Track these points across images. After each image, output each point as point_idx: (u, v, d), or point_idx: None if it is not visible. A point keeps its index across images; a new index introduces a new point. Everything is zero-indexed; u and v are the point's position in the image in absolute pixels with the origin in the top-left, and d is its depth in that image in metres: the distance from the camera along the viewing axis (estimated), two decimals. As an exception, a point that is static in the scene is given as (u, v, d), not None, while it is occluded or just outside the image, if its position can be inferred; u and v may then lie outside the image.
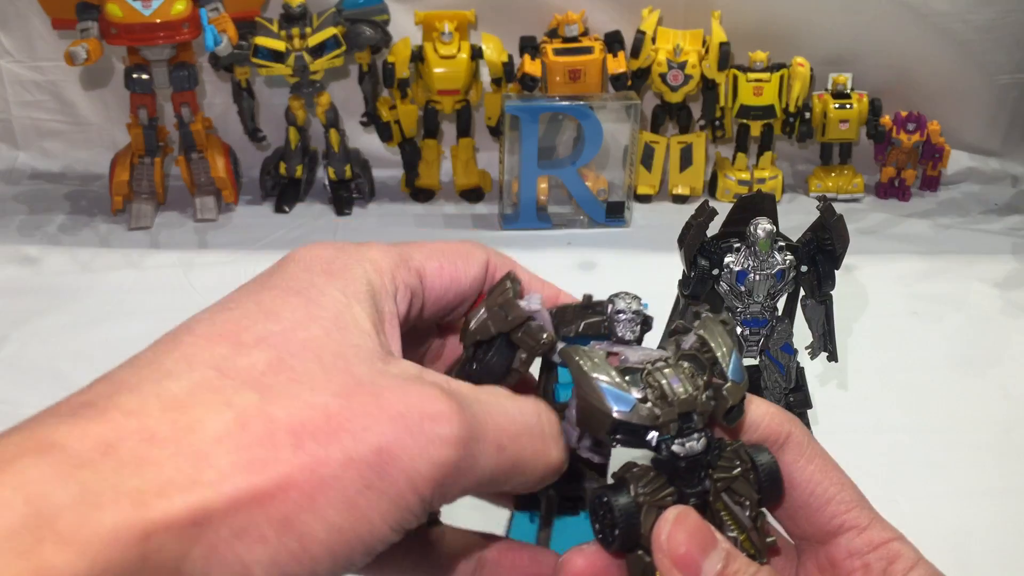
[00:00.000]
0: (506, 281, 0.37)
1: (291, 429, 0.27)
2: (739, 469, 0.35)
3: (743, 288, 0.73)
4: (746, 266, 0.72)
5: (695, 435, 0.34)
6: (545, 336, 0.37)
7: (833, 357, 0.79)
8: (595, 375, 0.34)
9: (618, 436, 0.34)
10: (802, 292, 0.76)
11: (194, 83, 1.27)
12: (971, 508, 0.81)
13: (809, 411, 0.81)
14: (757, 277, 0.72)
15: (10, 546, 0.24)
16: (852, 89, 1.34)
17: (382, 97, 1.33)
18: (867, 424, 0.91)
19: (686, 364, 0.35)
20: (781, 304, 0.76)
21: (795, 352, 0.77)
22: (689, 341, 0.37)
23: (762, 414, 0.37)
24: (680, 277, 0.75)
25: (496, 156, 1.32)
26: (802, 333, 0.77)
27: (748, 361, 0.78)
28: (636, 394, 0.34)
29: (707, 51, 1.29)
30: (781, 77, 1.30)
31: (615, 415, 0.33)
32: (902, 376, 0.98)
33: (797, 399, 0.80)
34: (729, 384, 0.35)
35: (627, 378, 0.34)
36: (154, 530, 0.26)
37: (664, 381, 0.34)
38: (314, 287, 0.31)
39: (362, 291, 0.32)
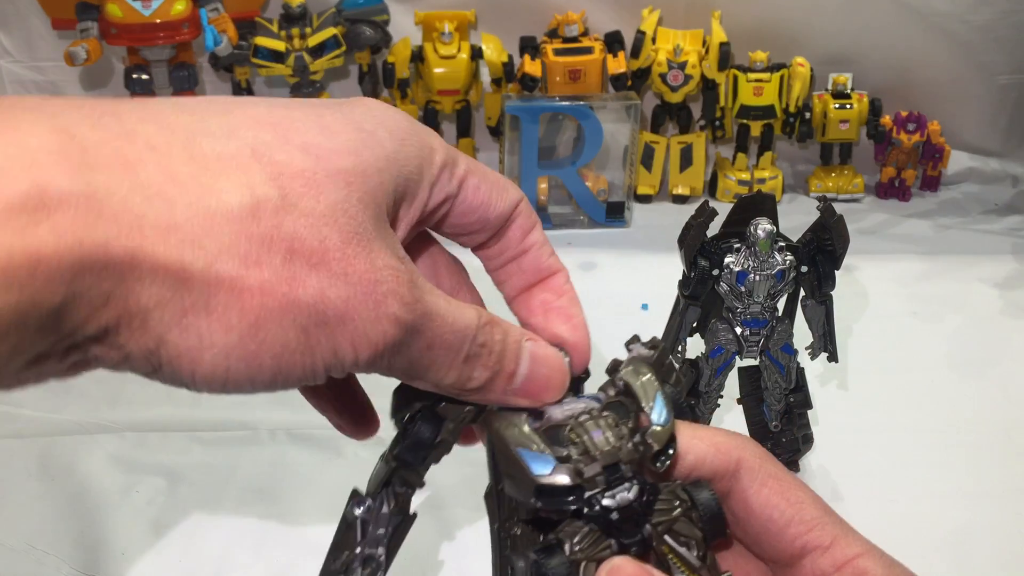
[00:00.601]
0: None
1: (289, 244, 0.28)
2: (679, 510, 0.34)
3: (743, 288, 0.73)
4: (746, 266, 0.72)
5: (625, 485, 0.34)
6: (467, 407, 0.36)
7: (833, 357, 0.79)
8: (513, 443, 0.34)
9: (542, 501, 0.33)
10: (802, 292, 0.76)
11: (194, 83, 1.27)
12: (971, 508, 0.81)
13: (809, 411, 0.81)
14: (757, 277, 0.72)
15: (2, 221, 0.24)
16: (852, 89, 1.34)
17: (382, 97, 1.34)
18: (867, 424, 0.91)
19: (608, 414, 0.35)
20: (781, 304, 0.76)
21: (795, 352, 0.77)
22: (618, 385, 0.36)
23: (705, 449, 0.36)
24: (680, 277, 0.75)
25: (496, 156, 1.32)
26: (802, 333, 0.77)
27: (748, 361, 0.78)
28: (562, 452, 0.33)
29: (707, 51, 1.29)
30: (781, 77, 1.30)
31: (537, 480, 0.33)
32: (902, 376, 0.98)
33: (797, 399, 0.80)
34: (652, 428, 0.34)
35: (558, 435, 0.34)
36: (142, 263, 0.26)
37: (586, 435, 0.34)
38: (375, 135, 0.32)
39: (409, 166, 0.33)
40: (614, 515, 0.34)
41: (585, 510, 0.34)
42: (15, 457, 0.87)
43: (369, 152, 0.31)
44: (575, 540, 0.33)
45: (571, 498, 0.33)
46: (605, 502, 0.33)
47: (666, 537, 0.34)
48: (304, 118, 0.31)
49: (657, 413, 0.35)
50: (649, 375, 0.36)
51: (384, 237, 0.31)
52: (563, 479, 0.33)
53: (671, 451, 0.35)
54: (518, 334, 0.35)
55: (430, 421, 0.36)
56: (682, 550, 0.34)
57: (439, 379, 0.33)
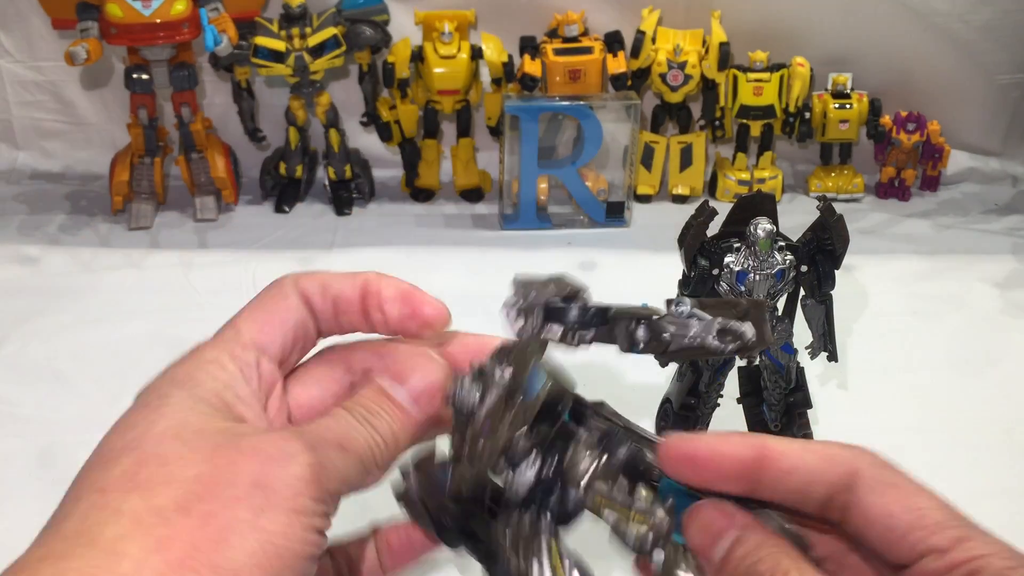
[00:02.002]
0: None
1: (178, 506, 0.31)
2: (592, 463, 0.35)
3: (743, 288, 0.73)
4: (746, 266, 0.72)
5: (520, 468, 0.35)
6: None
7: (833, 357, 0.79)
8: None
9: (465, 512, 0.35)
10: (802, 292, 0.76)
11: (194, 83, 1.27)
12: (971, 508, 0.80)
13: (809, 411, 0.81)
14: (757, 277, 0.72)
15: None
16: (852, 89, 1.34)
17: (382, 97, 1.34)
18: (867, 424, 0.91)
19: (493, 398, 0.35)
20: (781, 304, 0.76)
21: (795, 352, 0.77)
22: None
23: (817, 463, 0.35)
24: (680, 277, 0.75)
25: (496, 156, 1.32)
26: (802, 333, 0.77)
27: (748, 361, 0.78)
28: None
29: (707, 51, 1.29)
30: (781, 77, 1.30)
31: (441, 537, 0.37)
32: (902, 376, 0.98)
33: (797, 399, 0.80)
34: (521, 402, 0.35)
35: None
36: None
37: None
38: (160, 395, 0.35)
39: (210, 387, 0.36)
40: (531, 492, 0.35)
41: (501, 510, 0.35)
42: (15, 457, 0.87)
43: (166, 407, 0.34)
44: (510, 540, 0.34)
45: (481, 505, 0.35)
46: (518, 491, 0.35)
47: (595, 484, 0.35)
48: (108, 441, 0.35)
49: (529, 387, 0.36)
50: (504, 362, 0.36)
51: (235, 431, 0.34)
52: (452, 501, 0.35)
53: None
54: (375, 382, 0.38)
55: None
56: (614, 494, 0.35)
57: (370, 465, 0.36)
